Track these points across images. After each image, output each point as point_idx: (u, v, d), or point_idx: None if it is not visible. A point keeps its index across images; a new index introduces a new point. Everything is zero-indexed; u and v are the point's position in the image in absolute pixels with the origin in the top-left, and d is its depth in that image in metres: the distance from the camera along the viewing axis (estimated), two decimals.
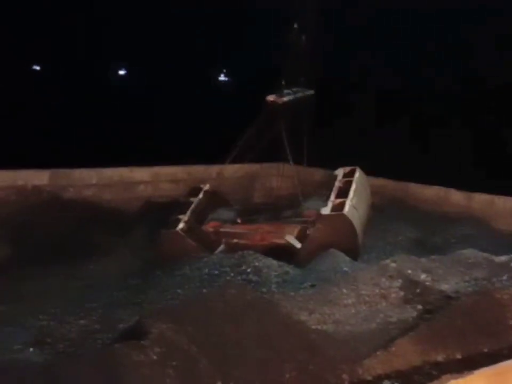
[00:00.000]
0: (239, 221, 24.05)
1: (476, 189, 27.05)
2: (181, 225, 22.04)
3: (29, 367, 11.93)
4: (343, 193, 22.45)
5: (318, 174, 29.58)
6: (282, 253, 21.34)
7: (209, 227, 23.44)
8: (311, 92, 25.46)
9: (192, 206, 23.36)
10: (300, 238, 21.83)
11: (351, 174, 23.98)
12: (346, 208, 21.35)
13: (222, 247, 22.19)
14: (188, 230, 22.11)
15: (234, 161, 25.41)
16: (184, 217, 22.43)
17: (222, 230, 23.20)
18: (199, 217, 23.34)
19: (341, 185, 23.11)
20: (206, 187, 24.38)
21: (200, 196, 24.04)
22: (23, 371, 10.77)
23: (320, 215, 21.61)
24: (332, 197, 22.26)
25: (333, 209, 21.58)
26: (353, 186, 22.82)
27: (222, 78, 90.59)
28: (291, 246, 21.62)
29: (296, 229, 22.33)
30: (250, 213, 25.17)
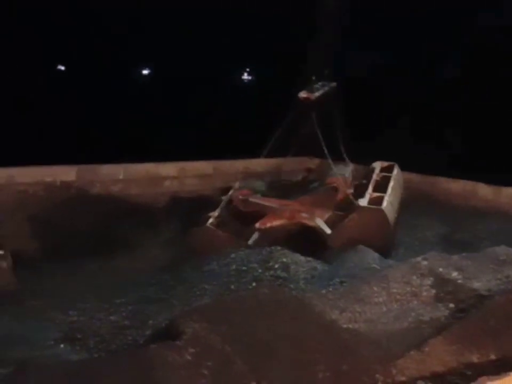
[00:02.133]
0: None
1: (503, 181, 26.91)
2: (211, 220, 22.07)
3: (63, 365, 11.98)
4: (380, 187, 22.51)
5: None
6: (312, 235, 21.49)
7: (239, 194, 23.56)
8: (334, 84, 25.39)
9: (222, 203, 23.32)
10: (330, 223, 21.74)
11: (389, 169, 24.15)
12: (384, 204, 21.29)
13: (255, 235, 22.05)
14: (218, 224, 22.15)
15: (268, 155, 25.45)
16: (214, 213, 22.42)
17: (251, 199, 23.34)
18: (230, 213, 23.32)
19: (378, 179, 23.20)
20: (236, 185, 24.36)
21: (229, 195, 23.94)
22: (58, 369, 10.76)
23: (358, 205, 21.48)
24: (370, 189, 22.27)
25: (370, 202, 21.56)
26: (392, 183, 22.90)
27: (245, 76, 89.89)
28: (321, 230, 21.60)
29: (327, 214, 22.27)
30: (279, 185, 25.16)
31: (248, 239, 21.64)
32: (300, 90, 23.76)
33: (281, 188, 25.02)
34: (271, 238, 21.72)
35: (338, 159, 25.42)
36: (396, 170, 24.21)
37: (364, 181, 24.00)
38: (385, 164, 24.75)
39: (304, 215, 22.26)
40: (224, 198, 23.93)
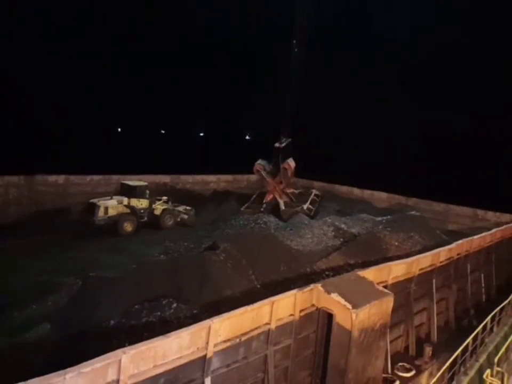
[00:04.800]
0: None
1: (365, 187, 27.01)
2: (245, 206, 22.08)
3: (163, 261, 12.09)
4: (312, 202, 22.50)
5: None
6: (277, 206, 21.53)
7: (256, 167, 22.88)
8: (290, 140, 24.87)
9: (251, 199, 23.06)
10: (286, 203, 21.78)
11: (317, 195, 23.92)
12: (312, 212, 21.31)
13: (264, 206, 21.91)
14: (248, 207, 21.97)
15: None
16: (246, 204, 22.33)
17: (262, 172, 22.73)
18: (257, 202, 22.78)
19: (313, 197, 23.09)
20: (258, 161, 23.12)
21: (254, 196, 23.32)
22: (162, 263, 10.89)
23: (302, 207, 21.37)
24: (308, 202, 22.17)
25: (307, 208, 21.48)
26: (317, 205, 22.80)
27: (247, 137, 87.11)
28: (280, 205, 21.60)
29: (286, 199, 22.23)
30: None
31: (262, 210, 21.48)
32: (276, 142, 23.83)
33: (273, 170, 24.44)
34: (271, 206, 21.79)
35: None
36: (320, 198, 24.00)
37: (306, 193, 24.02)
38: (317, 192, 24.46)
39: (278, 194, 22.26)
40: (254, 195, 23.42)
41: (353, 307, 7.72)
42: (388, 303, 8.59)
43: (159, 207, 19.68)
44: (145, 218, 19.10)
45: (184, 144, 54.87)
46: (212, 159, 39.24)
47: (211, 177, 27.57)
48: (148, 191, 19.31)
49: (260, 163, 23.30)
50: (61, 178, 20.34)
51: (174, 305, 8.13)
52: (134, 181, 20.02)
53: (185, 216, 20.42)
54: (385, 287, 9.44)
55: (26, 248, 14.62)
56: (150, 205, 19.35)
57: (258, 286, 9.79)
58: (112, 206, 18.14)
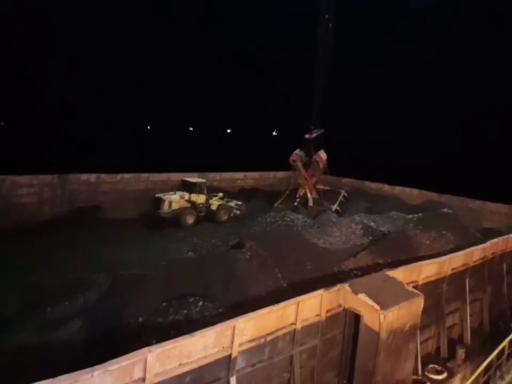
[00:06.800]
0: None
1: (396, 184, 26.37)
2: (278, 202, 22.33)
3: (191, 259, 12.18)
4: (340, 203, 22.48)
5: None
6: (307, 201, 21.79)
7: (293, 157, 22.76)
8: (322, 130, 24.54)
9: (284, 195, 23.12)
10: (315, 200, 21.85)
11: (345, 197, 23.72)
12: (339, 212, 21.26)
13: (297, 200, 22.06)
14: (281, 203, 22.16)
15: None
16: (279, 200, 22.50)
17: (296, 163, 22.72)
18: (290, 198, 22.87)
19: (341, 199, 22.96)
20: (296, 151, 23.14)
21: (287, 192, 23.42)
22: (189, 260, 10.97)
23: (330, 207, 21.46)
24: (337, 203, 22.17)
25: (336, 210, 21.48)
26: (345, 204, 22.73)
27: (274, 133, 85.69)
28: (308, 202, 21.79)
29: (316, 196, 22.31)
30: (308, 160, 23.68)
31: (296, 204, 21.72)
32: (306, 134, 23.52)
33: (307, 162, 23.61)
34: (303, 201, 22.03)
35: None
36: (347, 199, 23.79)
37: (335, 192, 23.87)
38: (346, 194, 24.16)
39: (308, 189, 22.36)
40: (287, 192, 23.42)
41: (382, 308, 7.51)
42: (418, 304, 8.32)
43: (215, 203, 21.14)
44: (203, 212, 20.58)
45: (212, 141, 55.25)
46: (239, 156, 39.30)
47: (238, 175, 27.51)
48: (205, 188, 20.93)
49: (297, 153, 23.10)
50: (92, 177, 20.84)
51: (200, 303, 8.18)
52: (194, 178, 21.73)
53: (238, 211, 21.62)
54: (415, 287, 9.15)
55: (59, 245, 15.08)
56: (207, 200, 20.82)
57: (284, 285, 9.70)
58: (175, 200, 19.64)
